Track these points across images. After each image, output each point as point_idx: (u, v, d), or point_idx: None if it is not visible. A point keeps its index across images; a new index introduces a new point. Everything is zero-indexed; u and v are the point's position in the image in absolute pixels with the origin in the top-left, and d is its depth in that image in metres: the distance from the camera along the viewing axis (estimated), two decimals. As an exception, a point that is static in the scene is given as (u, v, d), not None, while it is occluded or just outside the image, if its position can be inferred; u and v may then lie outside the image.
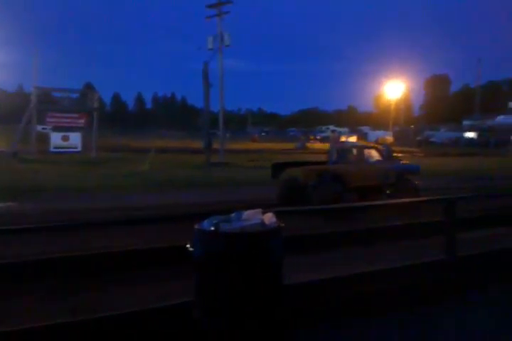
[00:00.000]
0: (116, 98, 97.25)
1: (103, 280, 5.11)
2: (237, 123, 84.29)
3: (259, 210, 3.23)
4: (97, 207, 10.23)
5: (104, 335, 3.57)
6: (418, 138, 57.67)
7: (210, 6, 27.14)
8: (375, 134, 61.29)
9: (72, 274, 5.17)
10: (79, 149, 26.51)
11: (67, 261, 5.36)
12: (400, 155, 28.58)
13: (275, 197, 11.00)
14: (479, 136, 57.15)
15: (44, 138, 26.25)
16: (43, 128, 27.07)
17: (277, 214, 3.24)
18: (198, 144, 27.07)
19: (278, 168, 11.76)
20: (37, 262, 5.29)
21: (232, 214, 3.16)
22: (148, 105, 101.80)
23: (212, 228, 3.01)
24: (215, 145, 25.63)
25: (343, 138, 43.66)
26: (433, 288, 4.79)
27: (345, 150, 12.56)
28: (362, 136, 60.23)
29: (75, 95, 29.80)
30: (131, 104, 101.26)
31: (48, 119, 26.44)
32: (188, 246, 3.11)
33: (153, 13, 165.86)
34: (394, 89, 61.37)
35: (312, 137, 64.07)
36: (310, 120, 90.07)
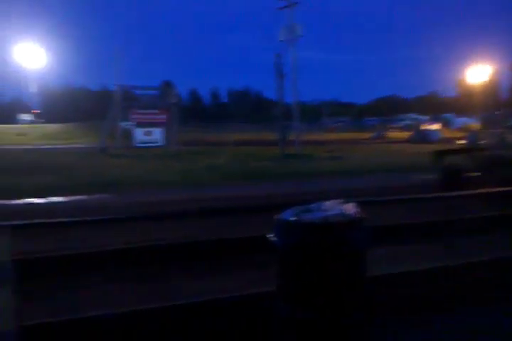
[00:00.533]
0: (193, 93, 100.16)
1: (184, 269, 5.31)
2: (312, 114, 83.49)
3: (340, 200, 3.19)
4: (178, 198, 10.64)
5: (185, 322, 3.70)
6: (510, 123, 53.66)
7: (281, -3, 26.99)
8: (459, 121, 58.06)
9: (155, 262, 5.41)
10: (161, 143, 27.68)
11: (150, 250, 5.63)
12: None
13: (436, 183, 11.45)
14: None
15: (128, 134, 27.68)
16: (127, 125, 28.54)
17: (360, 204, 3.19)
18: (273, 136, 27.22)
19: (440, 154, 12.64)
20: (127, 250, 5.61)
21: (313, 205, 3.15)
22: (224, 99, 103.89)
23: (293, 218, 3.02)
24: (291, 137, 25.62)
25: (424, 126, 41.73)
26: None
27: (503, 135, 13.13)
28: (445, 123, 57.30)
29: (154, 92, 31.06)
30: (207, 98, 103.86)
31: (132, 116, 27.84)
32: (269, 236, 3.15)
33: (226, 7, 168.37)
34: (479, 73, 57.61)
35: (391, 126, 61.94)
36: (388, 108, 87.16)
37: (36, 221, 7.44)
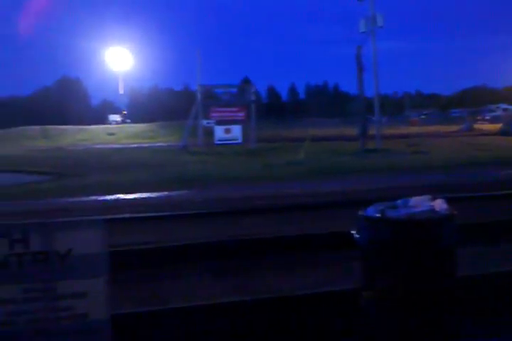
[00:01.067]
0: (271, 90, 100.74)
1: (266, 263, 5.34)
2: (394, 107, 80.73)
3: (427, 196, 3.04)
4: (258, 194, 10.76)
5: (269, 316, 3.72)
6: None
7: (363, -12, 26.21)
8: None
9: (236, 256, 5.49)
10: (240, 141, 28.15)
11: (231, 245, 5.73)
12: None
13: None
14: None
15: (209, 132, 28.45)
16: (208, 123, 29.34)
17: (449, 200, 3.01)
18: (352, 131, 26.64)
19: None
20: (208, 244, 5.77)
21: (399, 201, 3.03)
22: (302, 95, 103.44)
23: (378, 215, 2.92)
24: (371, 131, 24.94)
25: (517, 117, 38.77)
26: None
27: None
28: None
29: (234, 90, 31.63)
30: (284, 95, 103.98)
31: (212, 114, 28.58)
32: (353, 232, 3.07)
33: (302, 1, 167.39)
34: None
35: (480, 117, 58.16)
36: (476, 99, 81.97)
37: (127, 215, 7.89)
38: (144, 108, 73.27)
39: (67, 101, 69.92)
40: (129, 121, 58.62)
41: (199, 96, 28.67)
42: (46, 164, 18.43)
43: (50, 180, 14.97)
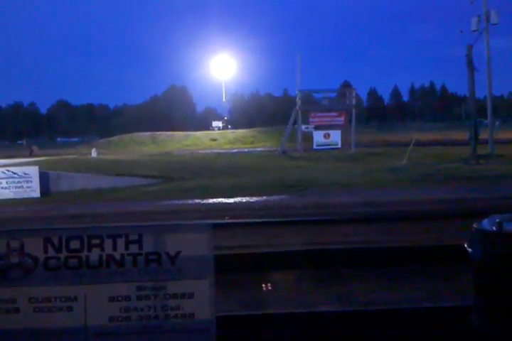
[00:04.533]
0: (372, 93, 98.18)
1: (367, 274, 5.18)
2: (508, 109, 74.58)
3: (553, 209, 2.75)
4: (356, 201, 10.53)
5: (368, 329, 3.60)
6: None
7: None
8: None
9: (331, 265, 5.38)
10: (339, 146, 27.78)
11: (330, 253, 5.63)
12: None
13: None
14: None
15: (308, 137, 28.45)
16: (306, 128, 29.35)
17: None
18: (461, 135, 25.05)
19: None
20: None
21: (519, 213, 2.78)
22: (405, 97, 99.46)
23: (495, 228, 2.70)
24: (483, 136, 23.23)
25: None
26: None
27: None
28: None
29: (333, 94, 31.33)
30: (387, 98, 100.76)
31: (311, 119, 28.56)
32: (466, 245, 2.87)
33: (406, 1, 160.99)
34: None
35: None
36: None
37: (229, 220, 8.14)
38: (245, 114, 75.28)
39: (174, 109, 74.12)
40: (230, 127, 60.61)
41: (298, 101, 28.80)
42: (156, 168, 19.66)
43: (159, 183, 15.95)
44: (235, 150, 33.98)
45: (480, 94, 26.03)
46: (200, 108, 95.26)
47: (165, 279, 2.68)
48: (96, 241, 2.65)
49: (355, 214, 8.70)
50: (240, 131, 52.75)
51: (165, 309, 2.69)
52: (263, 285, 4.87)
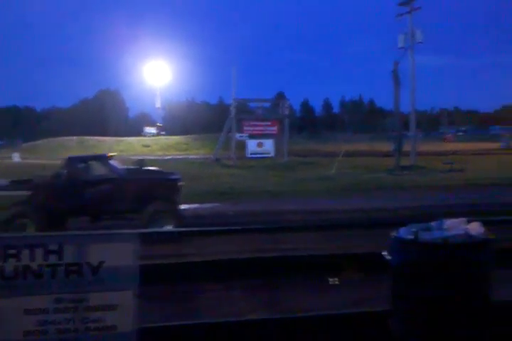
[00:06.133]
0: (305, 104, 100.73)
1: (295, 282, 5.27)
2: (430, 123, 79.33)
3: (463, 219, 2.95)
4: (286, 209, 10.73)
5: (292, 336, 3.66)
6: None
7: (402, 4, 26.10)
8: None
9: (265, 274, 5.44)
10: (272, 154, 28.17)
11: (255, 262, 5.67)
12: None
13: None
14: None
15: (242, 145, 28.62)
16: (240, 136, 29.51)
17: (485, 223, 2.92)
18: (387, 147, 26.28)
19: None
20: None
21: (433, 223, 2.95)
22: (336, 109, 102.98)
23: (411, 237, 2.85)
24: (406, 148, 24.53)
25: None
26: None
27: None
28: None
29: (267, 104, 31.78)
30: (318, 109, 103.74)
31: (246, 128, 28.77)
32: (384, 253, 3.01)
33: (339, 16, 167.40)
34: None
35: (520, 135, 56.29)
36: (516, 116, 79.61)
37: (160, 229, 7.97)
38: (180, 121, 74.50)
39: (106, 114, 71.81)
40: (164, 133, 59.62)
41: (233, 110, 28.96)
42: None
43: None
44: (168, 157, 33.46)
45: (405, 108, 27.44)
46: (133, 113, 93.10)
47: (86, 291, 2.58)
48: (12, 252, 2.51)
49: (285, 223, 8.84)
50: (174, 138, 52.05)
51: (85, 322, 2.59)
52: (191, 296, 4.81)
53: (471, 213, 7.95)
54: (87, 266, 2.56)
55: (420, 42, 25.24)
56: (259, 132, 28.73)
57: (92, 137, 49.33)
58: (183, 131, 59.27)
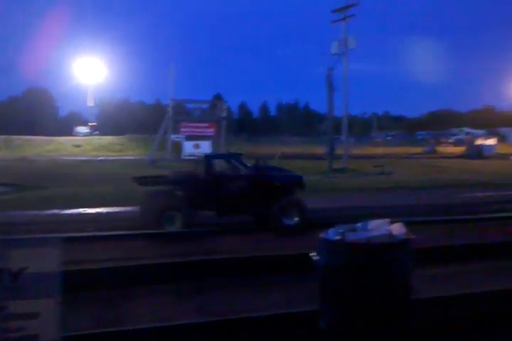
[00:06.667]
0: (242, 107, 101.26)
1: (229, 284, 5.29)
2: (362, 127, 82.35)
3: (386, 220, 3.10)
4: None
5: (229, 337, 3.67)
6: None
7: (336, 11, 26.92)
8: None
9: (202, 276, 5.42)
10: (208, 156, 28.05)
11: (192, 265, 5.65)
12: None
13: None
14: None
15: (178, 147, 28.27)
16: (177, 137, 29.17)
17: (407, 224, 3.08)
18: (321, 150, 26.98)
19: None
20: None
21: (358, 224, 3.08)
22: (273, 112, 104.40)
23: (337, 238, 2.96)
24: (339, 151, 25.32)
25: (479, 141, 40.00)
26: None
27: None
28: (501, 138, 54.82)
29: (205, 106, 31.64)
30: (256, 112, 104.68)
31: (182, 129, 28.47)
32: (312, 254, 3.10)
33: (276, 21, 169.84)
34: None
35: (444, 140, 59.85)
36: (441, 122, 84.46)
37: (90, 233, 7.69)
38: (114, 120, 72.27)
39: (34, 112, 68.36)
40: (97, 133, 57.63)
41: (170, 110, 28.57)
42: (7, 175, 17.85)
43: (10, 191, 14.50)
44: (100, 158, 32.37)
45: (339, 112, 28.30)
46: (63, 112, 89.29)
47: (5, 298, 2.45)
48: None
49: (220, 226, 8.83)
50: (108, 138, 50.43)
51: (6, 331, 2.47)
52: (120, 301, 4.69)
53: (395, 214, 8.38)
54: (6, 272, 2.44)
55: (353, 49, 26.17)
56: (196, 134, 28.56)
57: (18, 136, 46.76)
58: (118, 131, 57.59)
